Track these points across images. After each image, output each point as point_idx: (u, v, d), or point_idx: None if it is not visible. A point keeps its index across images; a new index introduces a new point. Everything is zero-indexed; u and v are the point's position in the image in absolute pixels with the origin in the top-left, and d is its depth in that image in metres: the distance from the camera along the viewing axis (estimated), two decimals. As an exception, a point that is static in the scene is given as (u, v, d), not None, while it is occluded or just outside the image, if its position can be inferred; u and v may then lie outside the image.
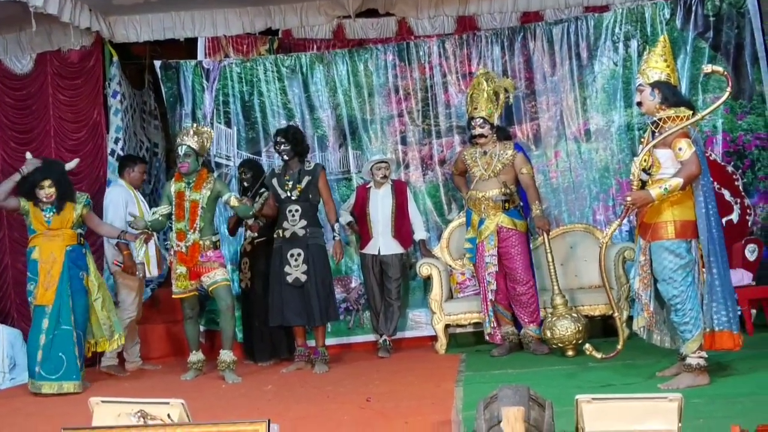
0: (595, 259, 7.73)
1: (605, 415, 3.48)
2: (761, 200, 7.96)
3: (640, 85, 5.52)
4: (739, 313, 5.57)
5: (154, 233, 7.17)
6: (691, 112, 5.35)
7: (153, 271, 7.61)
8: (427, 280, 7.81)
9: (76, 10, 8.00)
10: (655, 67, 5.47)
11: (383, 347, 7.72)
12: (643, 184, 5.42)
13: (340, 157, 8.46)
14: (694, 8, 8.00)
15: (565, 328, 6.78)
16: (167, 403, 3.73)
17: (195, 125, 7.32)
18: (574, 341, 6.76)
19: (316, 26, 9.11)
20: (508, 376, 6.18)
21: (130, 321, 7.69)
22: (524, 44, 8.36)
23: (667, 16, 8.04)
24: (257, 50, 8.96)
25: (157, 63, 8.55)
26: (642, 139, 5.62)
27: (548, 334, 6.87)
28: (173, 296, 7.16)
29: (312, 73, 8.50)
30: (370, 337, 8.11)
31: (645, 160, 5.36)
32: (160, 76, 8.50)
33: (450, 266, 7.96)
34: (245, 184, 7.74)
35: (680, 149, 5.20)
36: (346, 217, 7.90)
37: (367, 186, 7.92)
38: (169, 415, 3.65)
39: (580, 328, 6.79)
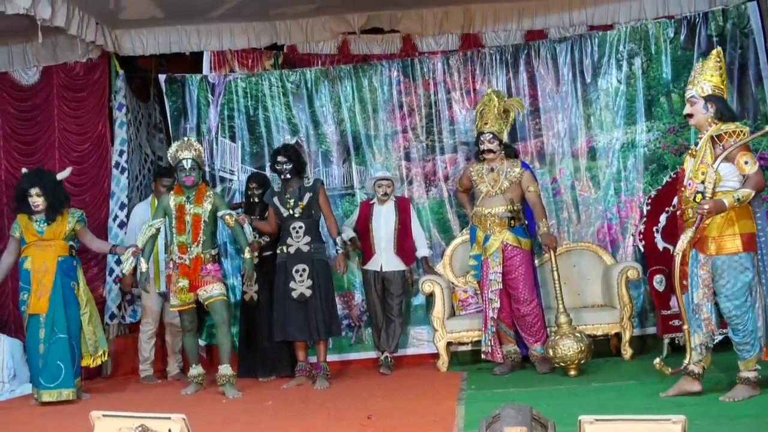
0: (598, 278, 7.76)
1: (609, 435, 3.47)
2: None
3: (692, 96, 5.46)
4: None
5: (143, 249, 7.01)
6: (747, 128, 5.35)
7: (162, 287, 7.59)
8: (430, 297, 7.78)
9: (83, 23, 8.00)
10: (710, 80, 5.42)
11: (384, 364, 7.69)
12: (698, 196, 5.29)
13: (343, 173, 8.46)
14: (697, 28, 8.00)
15: (567, 347, 6.73)
16: (168, 418, 3.73)
17: (187, 138, 7.34)
18: (577, 361, 6.72)
19: (321, 42, 9.13)
20: (511, 395, 6.14)
21: (152, 332, 7.99)
22: (528, 62, 8.35)
23: (671, 35, 8.05)
24: (262, 65, 8.97)
25: (162, 77, 8.56)
26: (691, 152, 5.50)
27: (551, 352, 6.82)
28: (171, 309, 7.18)
29: (317, 89, 8.50)
30: (372, 354, 8.08)
31: (708, 174, 5.25)
32: (164, 90, 8.51)
33: (453, 283, 7.95)
34: (254, 199, 7.76)
35: (746, 162, 5.21)
36: (348, 233, 7.77)
37: (371, 202, 7.91)
38: (170, 430, 3.64)
39: (583, 347, 6.73)
